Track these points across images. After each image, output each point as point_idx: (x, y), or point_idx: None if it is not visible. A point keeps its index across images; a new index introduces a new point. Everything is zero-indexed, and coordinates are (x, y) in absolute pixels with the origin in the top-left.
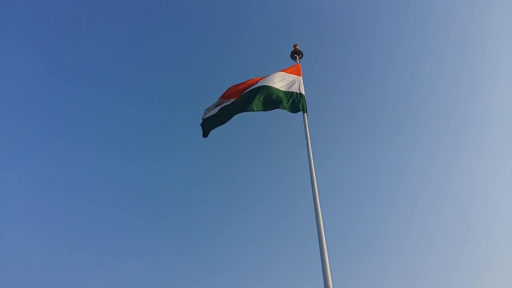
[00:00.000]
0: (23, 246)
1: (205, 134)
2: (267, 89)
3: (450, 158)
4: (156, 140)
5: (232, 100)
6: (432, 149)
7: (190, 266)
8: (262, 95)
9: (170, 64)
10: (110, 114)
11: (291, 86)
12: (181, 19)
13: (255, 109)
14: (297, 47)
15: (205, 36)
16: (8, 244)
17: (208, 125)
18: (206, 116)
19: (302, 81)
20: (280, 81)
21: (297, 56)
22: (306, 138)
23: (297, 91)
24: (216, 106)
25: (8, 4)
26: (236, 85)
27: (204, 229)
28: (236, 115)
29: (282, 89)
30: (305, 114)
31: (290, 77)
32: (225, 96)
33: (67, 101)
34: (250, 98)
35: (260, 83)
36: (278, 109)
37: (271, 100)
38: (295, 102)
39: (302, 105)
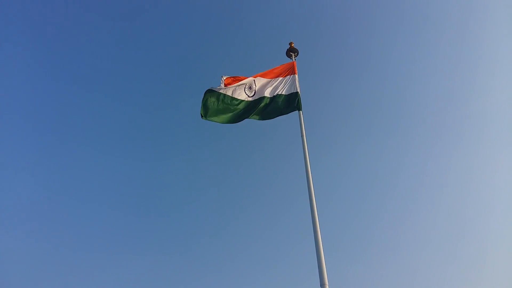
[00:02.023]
0: (21, 245)
1: (204, 116)
2: (267, 100)
3: (446, 156)
4: (152, 138)
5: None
6: (428, 147)
7: (187, 264)
8: (264, 107)
9: (165, 62)
10: (105, 112)
11: (286, 87)
12: (176, 16)
13: (256, 118)
14: (292, 45)
15: (200, 33)
16: (6, 243)
17: (209, 109)
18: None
19: (297, 79)
20: (277, 87)
21: (293, 54)
22: (302, 135)
23: (292, 91)
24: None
25: (5, 3)
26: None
27: (201, 227)
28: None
29: (272, 95)
30: (301, 112)
31: (286, 79)
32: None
33: (61, 99)
34: (253, 108)
35: (263, 92)
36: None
37: (271, 110)
38: (290, 103)
39: (298, 103)
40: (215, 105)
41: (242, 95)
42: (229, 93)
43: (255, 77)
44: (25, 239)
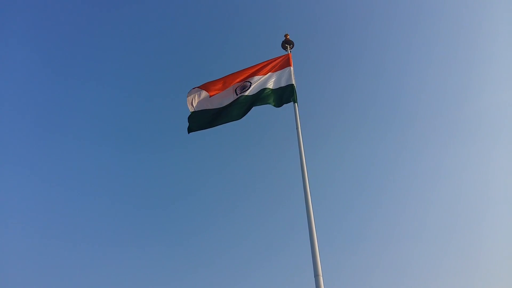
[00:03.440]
0: (20, 240)
1: (190, 130)
2: (258, 95)
3: (440, 152)
4: (146, 132)
5: (218, 102)
6: (423, 142)
7: (184, 257)
8: (254, 102)
9: (159, 54)
10: (100, 106)
11: (281, 80)
12: (170, 8)
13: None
14: (288, 36)
15: (195, 25)
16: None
17: (195, 123)
18: (192, 112)
19: (292, 71)
20: (270, 81)
21: (288, 46)
22: (297, 128)
23: (287, 84)
24: (201, 102)
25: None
26: (223, 80)
27: (197, 221)
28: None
29: (272, 87)
30: (296, 104)
31: (280, 72)
32: (210, 90)
33: (55, 92)
34: (241, 106)
35: (253, 89)
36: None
37: (260, 99)
38: (284, 95)
39: (293, 96)
40: (203, 119)
41: (233, 96)
42: (215, 105)
43: (246, 77)
44: (24, 234)
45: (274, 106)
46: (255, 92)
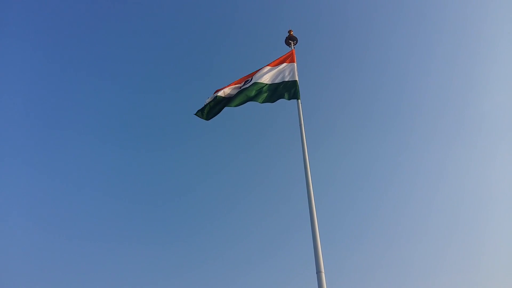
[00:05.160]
0: (21, 237)
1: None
2: (258, 85)
3: (443, 150)
4: (147, 130)
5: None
6: (427, 140)
7: (188, 253)
8: (253, 91)
9: (162, 50)
10: (100, 104)
11: (282, 76)
12: (174, 4)
13: (239, 103)
14: (291, 33)
15: (198, 21)
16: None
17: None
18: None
19: (296, 68)
20: (272, 75)
21: (292, 42)
22: (300, 125)
23: (290, 79)
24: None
25: None
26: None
27: (199, 218)
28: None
29: (272, 82)
30: (299, 100)
31: (282, 66)
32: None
33: (58, 91)
34: (240, 94)
35: (253, 80)
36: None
37: (269, 95)
38: (286, 91)
39: (296, 92)
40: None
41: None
42: (220, 95)
43: (253, 74)
44: (26, 231)
45: (270, 102)
46: (253, 82)
